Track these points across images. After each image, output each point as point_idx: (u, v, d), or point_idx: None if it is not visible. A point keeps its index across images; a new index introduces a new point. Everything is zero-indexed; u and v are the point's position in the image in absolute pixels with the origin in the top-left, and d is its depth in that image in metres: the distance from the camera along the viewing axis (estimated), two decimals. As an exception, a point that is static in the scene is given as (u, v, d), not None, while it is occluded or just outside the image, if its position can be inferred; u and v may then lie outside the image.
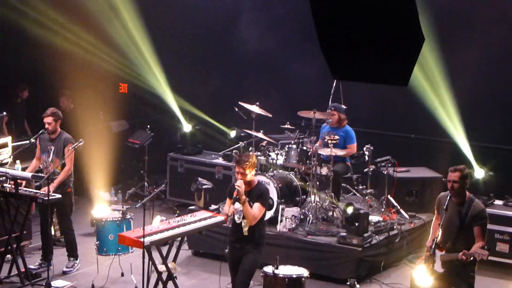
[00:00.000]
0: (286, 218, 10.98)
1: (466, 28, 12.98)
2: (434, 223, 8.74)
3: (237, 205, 8.58)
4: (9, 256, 10.44)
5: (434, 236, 8.40)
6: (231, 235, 8.88)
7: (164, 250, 9.38)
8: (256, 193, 8.67)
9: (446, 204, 8.26)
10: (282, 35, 14.70)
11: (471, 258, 8.03)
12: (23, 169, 11.10)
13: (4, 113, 13.27)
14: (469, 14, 12.98)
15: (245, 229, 8.61)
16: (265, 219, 8.97)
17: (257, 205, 8.57)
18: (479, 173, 11.98)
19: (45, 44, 14.25)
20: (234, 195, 8.48)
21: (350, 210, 10.67)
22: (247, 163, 8.59)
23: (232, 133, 14.32)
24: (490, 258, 10.73)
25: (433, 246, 8.24)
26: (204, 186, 12.02)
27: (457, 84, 12.89)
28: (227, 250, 9.04)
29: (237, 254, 8.74)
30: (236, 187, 8.51)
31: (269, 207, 11.12)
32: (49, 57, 14.34)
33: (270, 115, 12.26)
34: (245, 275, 8.66)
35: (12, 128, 14.12)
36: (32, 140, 10.85)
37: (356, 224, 10.60)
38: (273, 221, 11.12)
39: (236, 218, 8.64)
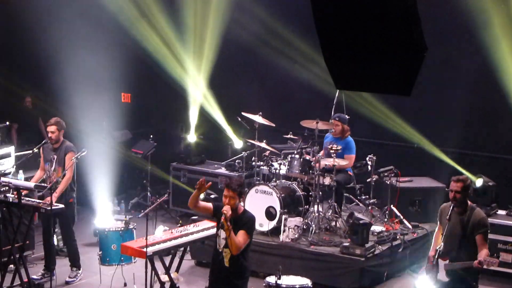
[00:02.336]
0: (289, 228, 10.98)
1: (466, 36, 12.96)
2: (436, 234, 8.75)
3: (221, 233, 8.09)
4: (11, 266, 10.42)
5: (436, 246, 8.41)
6: (211, 269, 8.40)
7: (167, 260, 9.39)
8: (243, 221, 8.11)
9: (449, 214, 8.26)
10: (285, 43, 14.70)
11: (484, 266, 8.06)
12: (26, 179, 11.11)
13: (8, 122, 13.25)
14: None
15: (226, 260, 8.08)
16: (248, 251, 8.24)
17: (242, 233, 8.01)
18: (478, 182, 11.93)
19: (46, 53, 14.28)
20: (222, 220, 7.91)
21: (351, 220, 10.67)
22: (239, 189, 8.09)
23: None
24: (493, 268, 10.78)
25: (436, 256, 8.24)
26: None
27: (460, 93, 12.90)
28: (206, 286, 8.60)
29: None
30: (223, 212, 7.93)
31: (272, 217, 11.14)
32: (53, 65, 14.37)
33: (273, 125, 12.27)
34: None
35: (22, 136, 14.13)
36: (35, 150, 10.85)
37: (359, 234, 10.59)
38: (276, 231, 11.12)
39: (217, 245, 8.16)
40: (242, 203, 8.45)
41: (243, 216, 8.17)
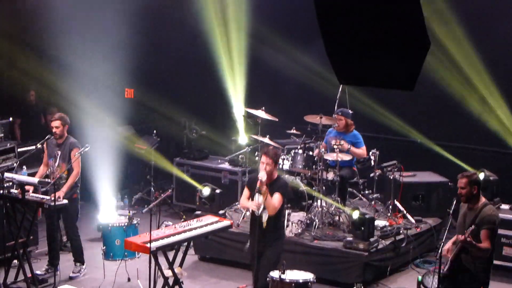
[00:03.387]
0: (292, 223, 10.99)
1: (476, 26, 12.96)
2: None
3: (258, 198, 8.93)
4: (15, 261, 10.45)
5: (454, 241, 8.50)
6: (250, 230, 9.21)
7: (171, 255, 9.40)
8: (277, 185, 9.00)
9: (459, 208, 8.30)
10: (287, 38, 14.70)
11: (470, 244, 8.10)
12: (30, 175, 11.12)
13: (11, 118, 13.26)
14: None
15: (264, 221, 8.88)
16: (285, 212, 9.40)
17: (276, 195, 8.88)
18: (480, 176, 11.89)
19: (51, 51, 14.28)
20: (258, 185, 8.74)
21: (356, 215, 10.67)
22: (275, 157, 9.02)
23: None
24: (496, 262, 10.80)
25: (440, 249, 8.22)
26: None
27: (462, 88, 12.89)
28: (247, 246, 9.31)
29: (258, 249, 8.93)
30: (259, 177, 8.85)
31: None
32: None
33: (277, 119, 12.28)
34: (268, 269, 8.84)
35: (26, 131, 14.14)
36: (39, 145, 10.86)
37: (362, 229, 10.59)
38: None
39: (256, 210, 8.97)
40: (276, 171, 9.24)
41: (277, 181, 9.09)
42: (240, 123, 14.47)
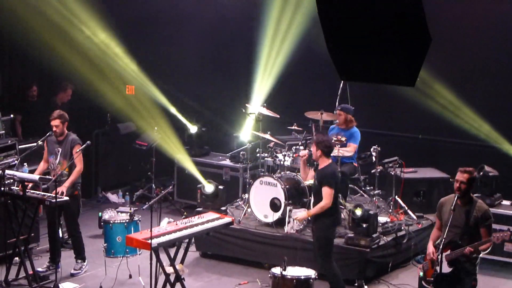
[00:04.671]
0: (293, 220, 10.97)
1: (468, 29, 12.97)
2: (434, 231, 8.81)
3: (300, 215, 10.18)
4: (17, 258, 10.46)
5: (434, 243, 8.54)
6: None
7: (172, 251, 9.40)
8: (323, 174, 9.63)
9: (453, 204, 8.26)
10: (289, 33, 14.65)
11: (474, 255, 8.21)
12: (31, 172, 11.12)
13: (12, 115, 13.24)
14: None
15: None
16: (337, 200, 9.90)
17: (324, 189, 9.54)
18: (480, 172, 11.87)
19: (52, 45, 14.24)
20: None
21: (359, 212, 10.65)
22: (320, 146, 9.60)
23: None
24: (498, 258, 10.83)
25: (440, 251, 8.21)
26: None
27: (464, 83, 12.90)
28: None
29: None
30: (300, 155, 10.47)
31: (276, 208, 11.13)
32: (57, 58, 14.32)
33: (278, 116, 12.27)
34: (318, 252, 9.80)
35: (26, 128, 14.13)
36: (40, 142, 10.85)
37: (364, 226, 10.58)
38: (281, 222, 11.11)
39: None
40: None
41: (324, 169, 9.66)
42: (242, 120, 14.44)
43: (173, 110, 14.88)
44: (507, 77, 12.94)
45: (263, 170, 12.38)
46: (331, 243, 9.82)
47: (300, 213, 10.26)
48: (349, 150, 11.72)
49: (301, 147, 11.74)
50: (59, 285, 10.05)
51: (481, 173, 11.54)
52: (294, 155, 11.38)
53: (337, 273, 9.75)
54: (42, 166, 10.97)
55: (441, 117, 13.02)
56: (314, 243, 9.98)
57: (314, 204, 9.77)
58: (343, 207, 11.45)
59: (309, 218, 10.09)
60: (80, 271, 10.87)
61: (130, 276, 10.61)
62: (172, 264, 9.16)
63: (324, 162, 9.68)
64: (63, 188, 10.30)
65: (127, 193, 14.26)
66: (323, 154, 9.64)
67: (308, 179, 10.40)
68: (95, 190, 14.21)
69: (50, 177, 10.40)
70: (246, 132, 14.03)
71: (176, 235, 9.05)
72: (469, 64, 13.13)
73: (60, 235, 11.42)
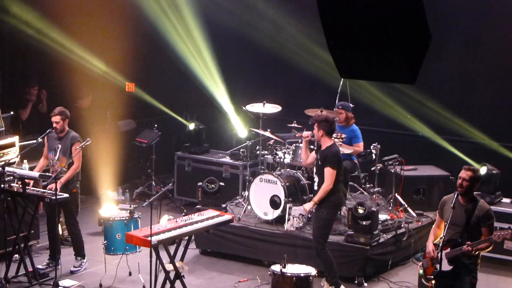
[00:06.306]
0: (293, 217, 10.97)
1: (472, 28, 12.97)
2: (434, 228, 8.79)
3: (307, 205, 10.06)
4: (16, 255, 10.46)
5: (433, 241, 8.52)
6: None
7: (172, 249, 9.40)
8: (325, 155, 9.74)
9: (453, 202, 8.25)
10: (290, 32, 14.66)
11: (475, 253, 8.18)
12: (31, 169, 11.12)
13: (12, 112, 13.22)
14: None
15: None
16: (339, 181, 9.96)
17: (326, 170, 9.66)
18: (482, 170, 11.88)
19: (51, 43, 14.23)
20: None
21: (361, 210, 10.63)
22: (321, 124, 9.73)
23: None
24: (498, 256, 10.82)
25: (439, 249, 8.20)
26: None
27: (464, 83, 12.90)
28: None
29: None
30: (303, 136, 10.33)
31: (276, 206, 11.13)
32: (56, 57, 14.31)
33: (280, 107, 12.26)
34: (315, 233, 9.92)
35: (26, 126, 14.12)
36: (40, 139, 10.85)
37: (365, 223, 10.58)
38: (281, 220, 11.11)
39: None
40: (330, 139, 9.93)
41: (327, 150, 9.79)
42: (242, 117, 14.44)
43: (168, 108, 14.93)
44: (507, 76, 12.93)
45: (263, 167, 12.38)
46: (330, 224, 9.98)
47: (306, 204, 10.22)
48: (359, 150, 11.85)
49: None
50: (59, 282, 10.04)
51: (485, 171, 11.54)
52: (297, 135, 11.43)
53: (332, 259, 9.86)
54: (42, 162, 10.98)
55: (441, 115, 13.02)
56: (313, 223, 10.11)
57: (319, 185, 9.89)
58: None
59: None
60: (79, 268, 10.87)
61: (130, 274, 10.62)
62: (172, 261, 9.15)
63: (326, 143, 9.82)
64: (58, 184, 10.23)
65: (127, 190, 14.25)
66: (325, 133, 9.74)
67: (309, 161, 10.42)
68: (94, 188, 14.19)
69: (50, 174, 10.40)
70: (245, 130, 14.02)
71: (176, 233, 9.05)
72: (469, 64, 13.12)
73: (60, 232, 11.41)
